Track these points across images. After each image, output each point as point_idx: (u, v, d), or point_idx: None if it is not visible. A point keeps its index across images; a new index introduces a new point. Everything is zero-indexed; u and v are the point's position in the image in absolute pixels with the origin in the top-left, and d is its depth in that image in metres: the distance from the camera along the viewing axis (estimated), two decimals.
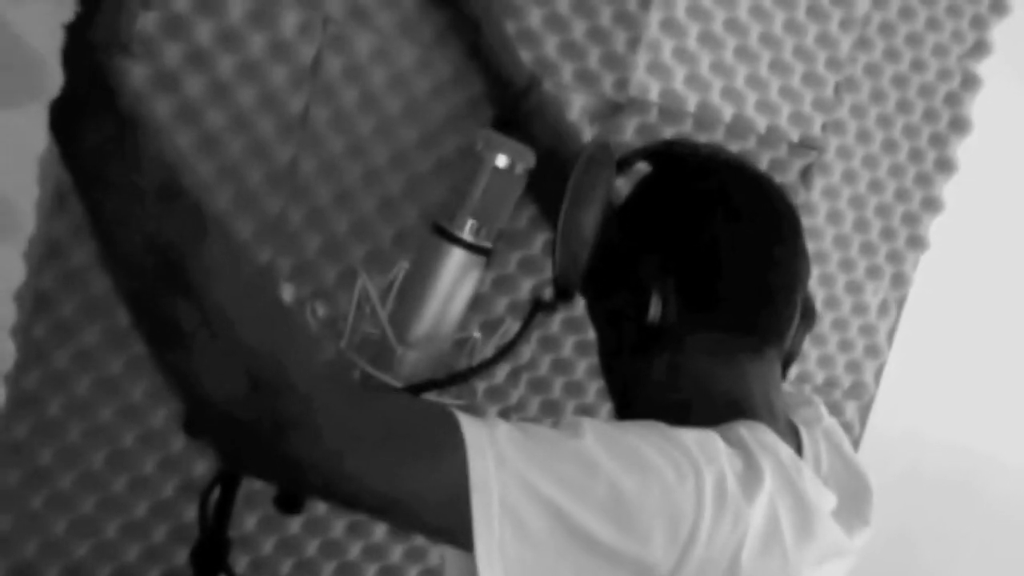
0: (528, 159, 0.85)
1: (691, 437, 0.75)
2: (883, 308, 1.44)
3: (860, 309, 1.43)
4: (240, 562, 1.17)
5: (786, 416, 0.90)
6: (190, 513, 1.06)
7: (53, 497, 1.10)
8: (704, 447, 0.74)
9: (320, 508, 1.20)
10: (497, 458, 0.68)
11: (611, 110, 1.22)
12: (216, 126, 1.06)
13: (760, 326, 0.87)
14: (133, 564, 1.14)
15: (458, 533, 0.68)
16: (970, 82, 1.40)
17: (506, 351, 0.84)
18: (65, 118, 0.68)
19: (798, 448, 0.88)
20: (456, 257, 0.85)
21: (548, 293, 0.85)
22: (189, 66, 1.03)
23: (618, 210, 0.92)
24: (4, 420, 1.05)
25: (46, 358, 1.06)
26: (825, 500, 0.81)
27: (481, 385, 1.24)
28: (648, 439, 0.74)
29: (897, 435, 1.46)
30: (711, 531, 0.71)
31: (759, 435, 0.80)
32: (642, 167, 0.95)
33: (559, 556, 0.68)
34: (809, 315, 0.93)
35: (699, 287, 0.85)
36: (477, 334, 0.90)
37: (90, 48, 0.69)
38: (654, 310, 0.83)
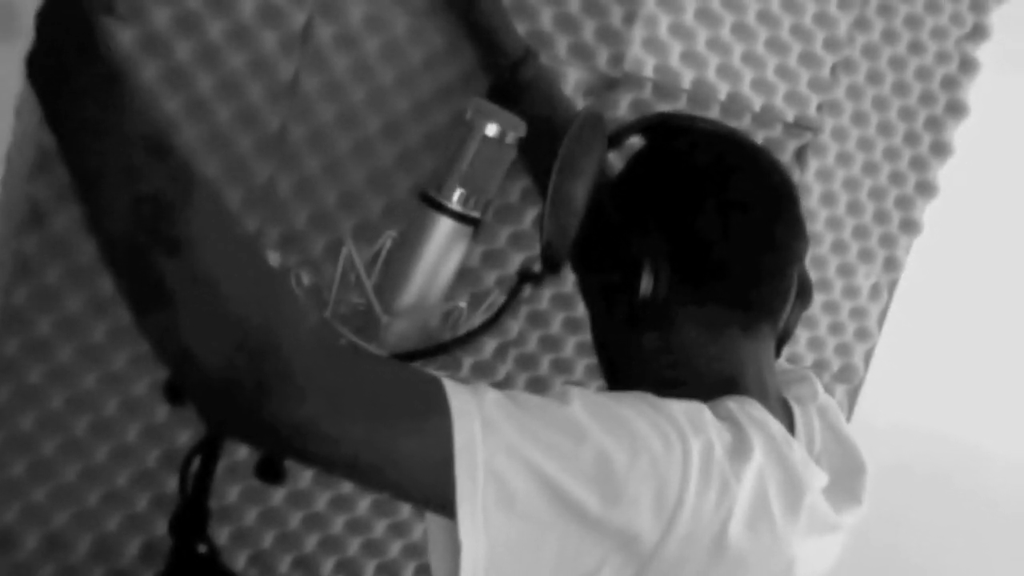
0: (519, 128, 0.84)
1: (679, 408, 0.74)
2: (874, 291, 1.43)
3: (851, 292, 1.42)
4: (222, 533, 1.16)
5: (779, 393, 0.89)
6: (172, 482, 1.05)
7: (34, 464, 1.09)
8: (692, 418, 0.74)
9: (304, 481, 1.19)
10: (484, 424, 0.67)
11: (605, 85, 1.21)
12: (205, 92, 1.04)
13: (754, 304, 0.86)
14: (114, 533, 1.14)
15: (442, 499, 0.66)
16: (968, 66, 1.39)
17: (491, 323, 0.83)
18: (49, 71, 0.67)
19: (790, 425, 0.87)
20: (444, 226, 0.84)
21: (536, 265, 0.84)
22: (177, 30, 1.01)
23: (611, 184, 0.91)
24: None
25: (28, 325, 1.05)
26: (816, 477, 0.81)
27: (468, 360, 1.23)
28: (636, 409, 0.73)
29: (885, 419, 1.45)
30: (697, 502, 0.70)
31: (749, 410, 0.79)
32: (636, 141, 0.94)
33: (544, 525, 0.67)
34: (805, 293, 0.92)
35: (692, 263, 0.83)
36: (462, 304, 0.89)
37: (77, 1, 0.68)
38: (645, 285, 0.81)
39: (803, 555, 0.78)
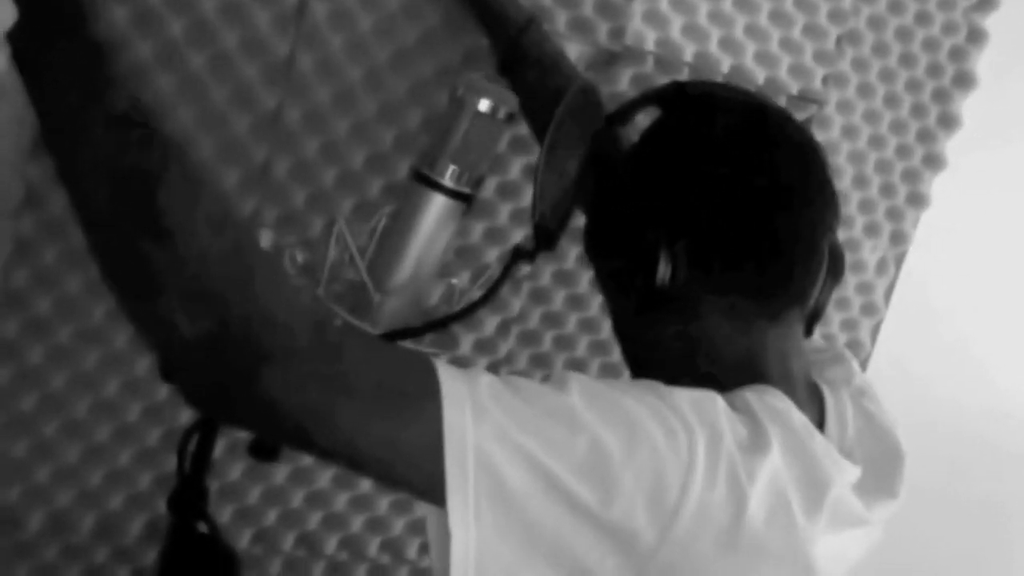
0: (511, 104, 0.84)
1: (686, 397, 0.71)
2: (881, 266, 1.42)
3: (858, 266, 1.41)
4: (225, 511, 1.17)
5: (808, 380, 0.84)
6: (174, 461, 1.06)
7: (36, 445, 1.09)
8: (699, 407, 0.70)
9: (306, 459, 1.19)
10: (475, 410, 0.65)
11: (606, 59, 1.20)
12: (199, 70, 1.04)
13: (779, 287, 0.81)
14: (117, 512, 1.14)
15: (432, 486, 0.64)
16: (976, 36, 1.37)
17: (484, 299, 0.82)
18: (31, 47, 0.66)
19: (821, 413, 0.83)
20: (437, 203, 0.84)
21: (530, 241, 0.83)
22: (170, 7, 1.01)
23: (624, 161, 0.85)
24: None
25: (27, 306, 1.05)
26: (844, 472, 0.77)
27: (470, 337, 1.22)
28: (639, 398, 0.70)
29: (892, 394, 1.44)
30: (703, 497, 0.67)
31: (769, 401, 0.75)
32: (642, 119, 0.90)
33: (538, 514, 0.65)
34: (837, 266, 0.85)
35: (712, 247, 0.78)
36: (455, 280, 0.89)
37: None
38: (662, 272, 0.77)
39: (826, 551, 0.75)
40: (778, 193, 0.80)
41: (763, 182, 0.79)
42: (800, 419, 0.75)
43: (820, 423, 0.82)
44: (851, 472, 0.78)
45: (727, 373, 0.79)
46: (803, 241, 0.81)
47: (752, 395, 0.75)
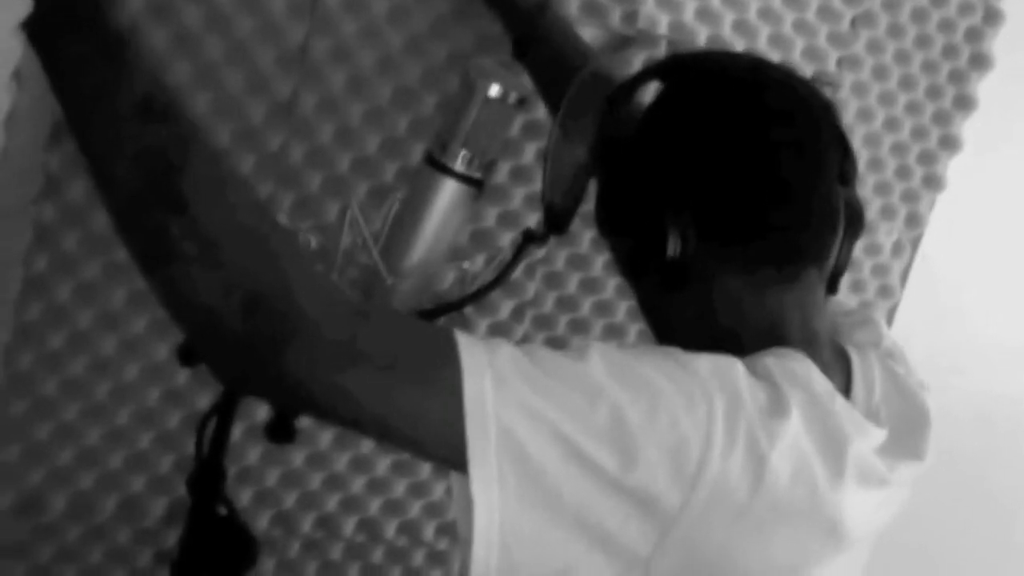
0: (521, 88, 0.84)
1: (706, 363, 0.71)
2: (897, 248, 1.42)
3: (873, 249, 1.41)
4: (244, 494, 1.19)
5: (834, 342, 0.84)
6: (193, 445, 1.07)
7: (59, 428, 1.11)
8: (719, 373, 0.71)
9: (324, 443, 1.21)
10: (495, 379, 0.65)
11: (619, 43, 1.20)
12: (214, 58, 1.05)
13: (794, 251, 0.80)
14: (139, 494, 1.16)
15: (455, 454, 0.65)
16: (992, 17, 1.36)
17: (495, 283, 0.83)
18: (51, 33, 0.67)
19: (848, 375, 0.82)
20: (448, 188, 0.85)
21: (541, 225, 0.84)
22: None
23: (631, 138, 0.83)
24: (8, 353, 1.07)
25: (48, 292, 1.07)
26: (869, 435, 0.77)
27: (485, 321, 1.23)
28: (659, 365, 0.70)
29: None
30: (722, 463, 0.68)
31: (789, 365, 0.75)
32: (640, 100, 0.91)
33: (559, 481, 0.66)
34: (855, 221, 0.83)
35: (718, 217, 0.78)
36: (467, 264, 0.90)
37: None
38: (672, 246, 0.77)
39: (851, 512, 0.75)
40: (781, 159, 0.79)
41: (765, 148, 0.78)
42: (821, 382, 0.75)
43: (847, 385, 0.82)
44: (875, 435, 0.78)
45: (750, 340, 0.79)
46: (812, 203, 0.80)
47: (772, 360, 0.75)
